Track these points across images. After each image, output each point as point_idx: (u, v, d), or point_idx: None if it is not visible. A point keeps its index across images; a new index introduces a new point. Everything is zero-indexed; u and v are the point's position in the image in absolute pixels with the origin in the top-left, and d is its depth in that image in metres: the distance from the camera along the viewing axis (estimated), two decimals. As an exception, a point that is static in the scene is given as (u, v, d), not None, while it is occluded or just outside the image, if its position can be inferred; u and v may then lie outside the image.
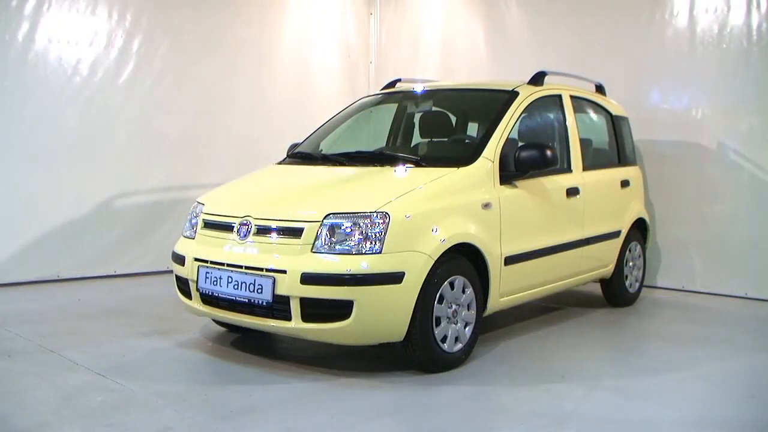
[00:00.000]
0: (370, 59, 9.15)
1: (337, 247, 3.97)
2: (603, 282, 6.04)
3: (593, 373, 4.38)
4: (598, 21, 7.21)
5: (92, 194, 6.86)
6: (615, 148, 6.10)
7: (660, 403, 3.89)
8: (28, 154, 6.50)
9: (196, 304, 4.43)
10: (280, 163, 5.32)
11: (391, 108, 5.85)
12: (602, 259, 5.73)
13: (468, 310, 4.37)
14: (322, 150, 5.37)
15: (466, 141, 5.33)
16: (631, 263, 6.12)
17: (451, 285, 4.24)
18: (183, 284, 4.54)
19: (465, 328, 4.36)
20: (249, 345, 4.76)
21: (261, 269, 4.04)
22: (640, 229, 6.25)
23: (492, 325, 5.25)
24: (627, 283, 6.07)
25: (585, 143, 5.59)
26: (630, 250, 6.08)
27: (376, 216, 3.99)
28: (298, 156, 5.30)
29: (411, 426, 3.57)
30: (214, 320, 4.83)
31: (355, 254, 3.94)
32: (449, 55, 8.45)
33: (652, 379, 4.31)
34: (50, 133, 6.60)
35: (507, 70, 7.72)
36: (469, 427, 3.54)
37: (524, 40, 7.75)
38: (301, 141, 5.58)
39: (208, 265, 4.28)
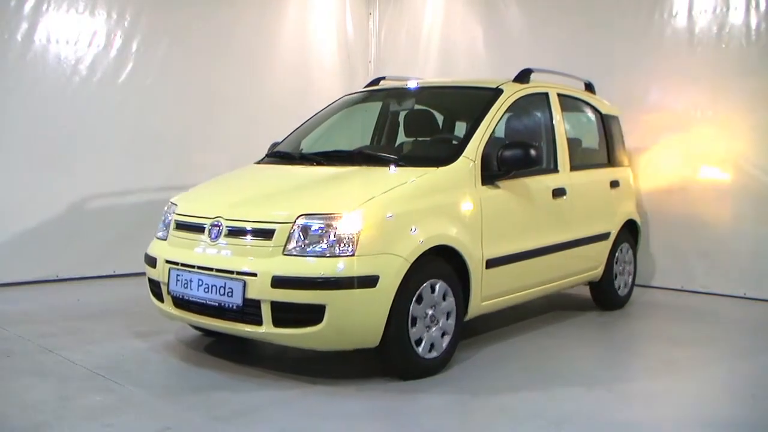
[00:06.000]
0: (370, 59, 9.13)
1: (309, 249, 3.85)
2: (592, 285, 5.91)
3: (592, 373, 4.37)
4: (597, 21, 7.19)
5: (91, 194, 6.88)
6: (605, 148, 5.97)
7: (659, 404, 3.86)
8: (27, 153, 6.52)
9: (168, 307, 4.33)
10: (258, 162, 5.22)
11: (376, 106, 5.73)
12: (590, 261, 5.60)
13: (447, 317, 4.23)
14: (302, 149, 5.26)
15: (448, 140, 5.21)
16: (621, 266, 5.98)
17: (431, 289, 4.11)
18: (155, 287, 4.44)
19: (442, 336, 4.21)
20: (249, 345, 4.70)
21: (231, 272, 3.93)
22: (630, 230, 6.13)
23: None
24: (616, 285, 5.94)
25: (573, 143, 5.47)
26: (620, 252, 5.94)
27: (350, 217, 3.86)
28: (277, 155, 5.19)
29: (412, 426, 3.54)
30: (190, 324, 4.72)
31: (327, 257, 3.81)
32: (448, 55, 8.42)
33: (651, 379, 4.29)
34: (49, 133, 6.62)
35: (507, 69, 7.49)
36: (468, 428, 3.51)
37: (524, 39, 7.72)
38: (281, 139, 5.46)
39: (179, 267, 4.18)
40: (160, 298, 4.41)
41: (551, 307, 5.98)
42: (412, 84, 5.69)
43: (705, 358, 4.72)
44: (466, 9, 8.28)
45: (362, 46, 9.07)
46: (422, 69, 8.44)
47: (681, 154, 6.74)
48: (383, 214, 3.95)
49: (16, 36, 6.44)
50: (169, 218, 4.51)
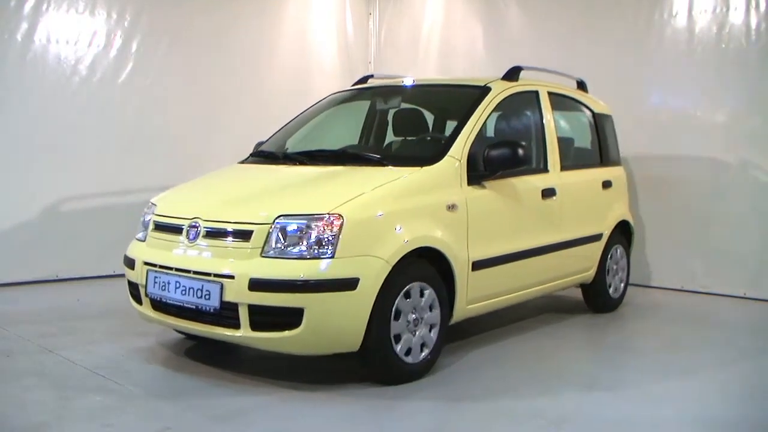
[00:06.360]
0: (369, 59, 9.08)
1: (288, 250, 3.78)
2: (584, 287, 5.80)
3: (591, 373, 4.38)
4: (597, 21, 7.15)
5: (91, 194, 6.90)
6: (597, 148, 5.86)
7: (658, 404, 3.86)
8: (27, 153, 6.55)
9: (146, 310, 4.28)
10: (242, 162, 5.16)
11: (364, 105, 5.65)
12: (582, 263, 5.50)
13: (430, 312, 4.15)
14: (287, 148, 5.18)
15: (434, 139, 5.12)
16: (614, 267, 5.87)
17: (412, 292, 4.03)
18: (134, 289, 4.39)
19: (430, 331, 4.15)
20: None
21: (208, 274, 3.87)
22: (623, 231, 6.01)
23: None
24: (610, 288, 5.83)
25: (564, 142, 5.37)
26: (612, 254, 5.83)
27: (329, 218, 3.79)
28: (261, 155, 5.12)
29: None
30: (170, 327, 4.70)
31: (306, 258, 3.75)
32: (448, 55, 8.38)
33: (651, 379, 4.26)
34: (49, 133, 6.64)
35: (506, 69, 7.62)
36: (466, 429, 3.49)
37: (524, 40, 7.67)
38: (266, 139, 5.41)
39: (157, 269, 4.13)
40: (138, 300, 4.35)
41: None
42: (400, 82, 5.62)
43: (704, 358, 4.69)
44: (466, 9, 8.23)
45: (362, 47, 9.04)
46: (422, 69, 8.40)
47: (680, 153, 6.66)
48: (364, 214, 3.88)
49: (16, 36, 6.47)
50: (148, 218, 4.46)
